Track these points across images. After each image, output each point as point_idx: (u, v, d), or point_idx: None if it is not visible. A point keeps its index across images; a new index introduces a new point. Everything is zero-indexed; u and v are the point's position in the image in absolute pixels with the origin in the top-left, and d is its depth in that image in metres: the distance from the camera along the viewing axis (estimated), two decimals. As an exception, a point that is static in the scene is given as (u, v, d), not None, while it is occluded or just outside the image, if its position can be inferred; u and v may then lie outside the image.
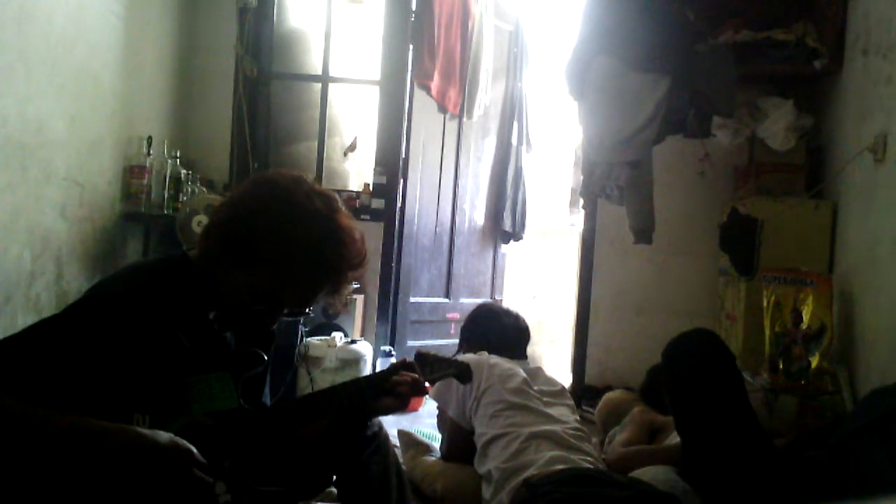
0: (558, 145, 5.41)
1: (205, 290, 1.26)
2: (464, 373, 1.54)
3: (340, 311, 1.27)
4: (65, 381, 1.06)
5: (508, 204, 4.53)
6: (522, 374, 1.98)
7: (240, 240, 1.20)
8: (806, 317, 2.48)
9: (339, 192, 1.88)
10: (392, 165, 3.78)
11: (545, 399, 1.94)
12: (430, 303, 4.10)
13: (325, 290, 1.27)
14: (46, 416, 1.00)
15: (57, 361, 1.06)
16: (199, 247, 1.26)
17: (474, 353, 2.05)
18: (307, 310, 1.30)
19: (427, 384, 1.44)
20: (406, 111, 3.80)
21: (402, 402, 1.39)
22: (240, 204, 1.24)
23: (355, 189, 3.82)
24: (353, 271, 1.28)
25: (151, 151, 3.16)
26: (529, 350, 2.28)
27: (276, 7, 3.92)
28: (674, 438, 1.98)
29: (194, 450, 1.07)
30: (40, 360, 1.06)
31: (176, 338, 1.18)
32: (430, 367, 1.47)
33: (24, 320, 2.46)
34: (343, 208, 1.28)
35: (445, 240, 4.18)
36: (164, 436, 1.05)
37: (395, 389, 1.37)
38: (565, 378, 3.66)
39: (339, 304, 1.32)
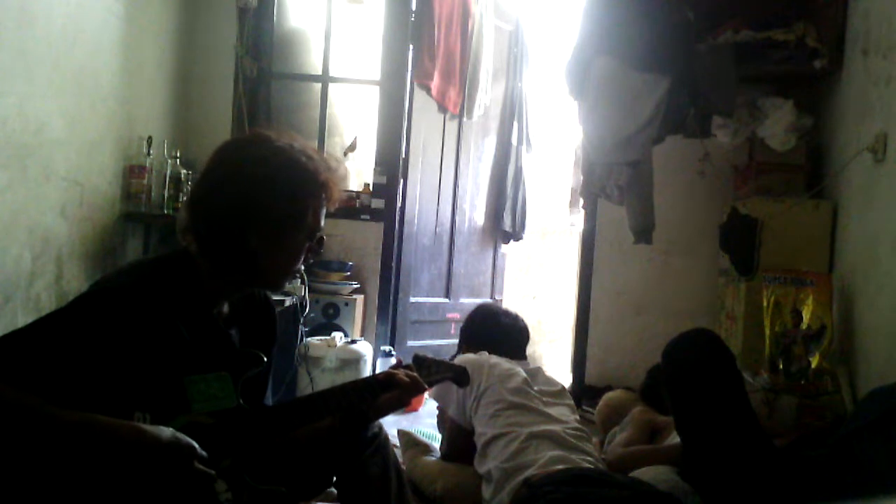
0: (558, 145, 5.41)
1: (207, 285, 1.26)
2: (460, 376, 1.54)
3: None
4: (67, 377, 1.06)
5: (508, 204, 4.53)
6: (522, 373, 1.97)
7: (226, 206, 1.22)
8: (806, 317, 2.48)
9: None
10: (392, 165, 3.78)
11: (545, 399, 1.94)
12: (430, 303, 4.10)
13: (317, 202, 1.29)
14: (54, 412, 1.01)
15: (59, 357, 1.07)
16: (196, 246, 1.25)
17: (474, 353, 2.05)
18: (321, 236, 1.32)
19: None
20: (406, 111, 3.81)
21: (402, 397, 1.40)
22: (206, 183, 1.27)
23: (355, 189, 3.82)
24: (331, 172, 1.30)
25: (151, 151, 3.16)
26: (529, 350, 2.28)
27: (276, 7, 3.92)
28: (674, 438, 1.98)
29: (196, 444, 1.08)
30: (43, 355, 1.06)
31: (178, 333, 1.18)
32: (427, 371, 1.48)
33: (24, 320, 2.45)
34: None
35: (445, 240, 4.18)
36: (166, 431, 1.06)
37: (393, 381, 1.39)
38: (565, 378, 3.66)
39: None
